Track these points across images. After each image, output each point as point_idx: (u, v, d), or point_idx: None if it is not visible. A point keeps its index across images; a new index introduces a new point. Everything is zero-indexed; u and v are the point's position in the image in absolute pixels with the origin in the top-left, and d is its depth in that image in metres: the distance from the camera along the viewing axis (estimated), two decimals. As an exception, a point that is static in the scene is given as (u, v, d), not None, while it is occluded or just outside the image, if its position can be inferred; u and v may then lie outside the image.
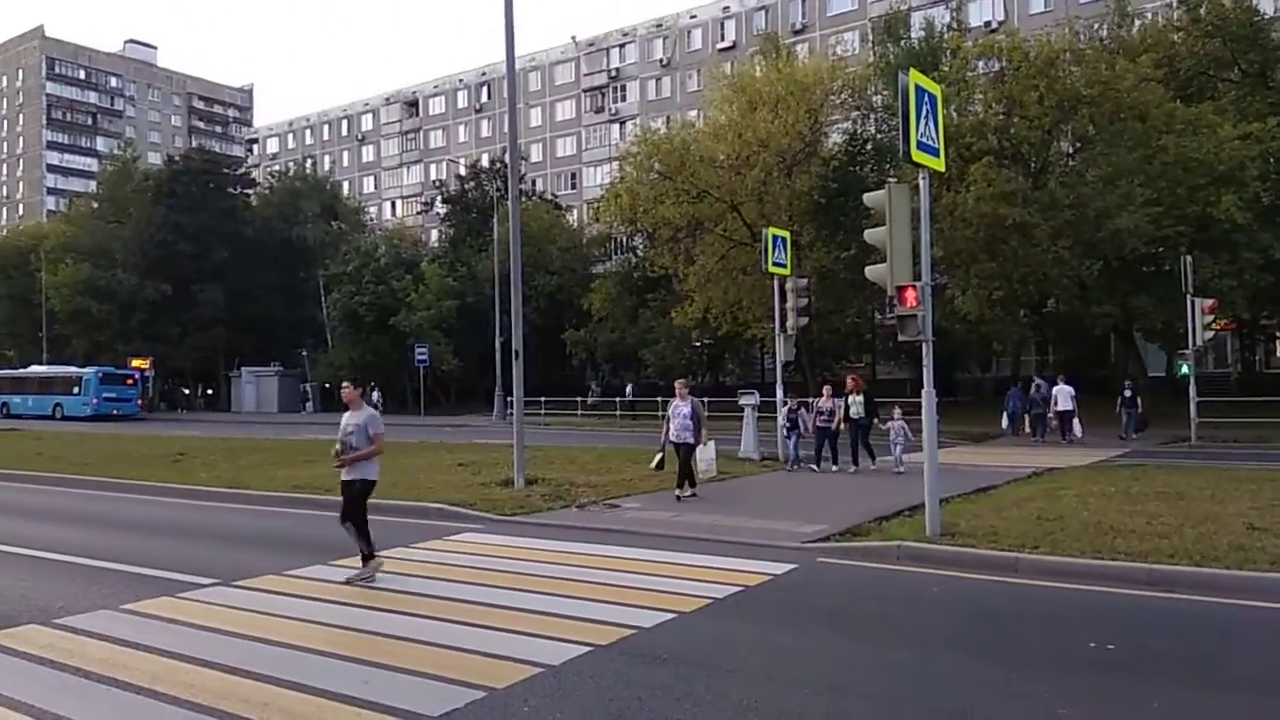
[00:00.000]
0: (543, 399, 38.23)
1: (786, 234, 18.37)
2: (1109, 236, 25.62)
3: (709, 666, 5.62)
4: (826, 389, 17.63)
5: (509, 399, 22.58)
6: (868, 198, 10.37)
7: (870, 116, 35.92)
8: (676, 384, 14.12)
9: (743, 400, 19.56)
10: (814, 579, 8.16)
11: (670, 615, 6.67)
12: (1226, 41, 29.33)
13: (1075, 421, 22.96)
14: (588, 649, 5.84)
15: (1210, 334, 24.32)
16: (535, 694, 5.09)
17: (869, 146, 35.73)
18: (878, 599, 7.56)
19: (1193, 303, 22.83)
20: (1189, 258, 23.52)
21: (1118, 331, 32.03)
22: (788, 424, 17.15)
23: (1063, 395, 23.45)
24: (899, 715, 4.80)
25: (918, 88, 9.14)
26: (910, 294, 9.20)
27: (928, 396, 9.58)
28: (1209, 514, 10.07)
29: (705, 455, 13.74)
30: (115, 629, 6.42)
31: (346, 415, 8.35)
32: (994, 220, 25.60)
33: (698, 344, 40.07)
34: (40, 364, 51.65)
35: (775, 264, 17.22)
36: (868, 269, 10.22)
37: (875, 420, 16.96)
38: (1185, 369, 25.50)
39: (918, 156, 9.16)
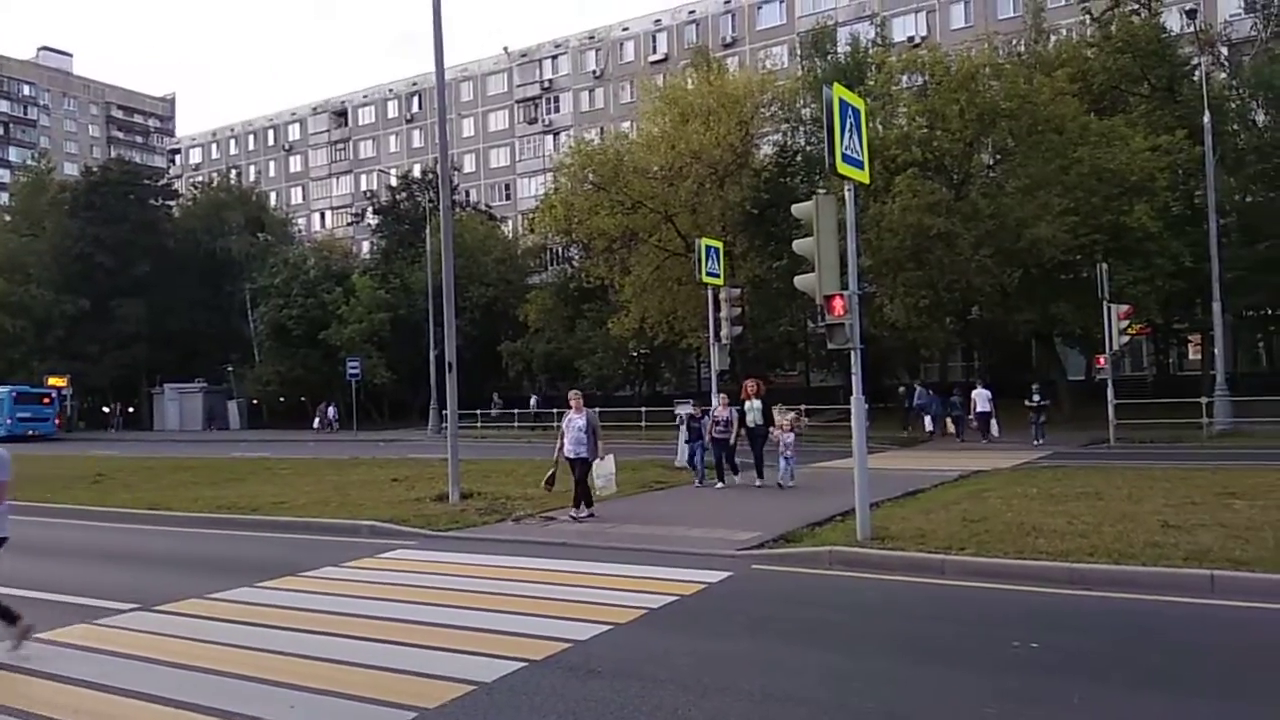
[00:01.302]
0: (479, 412, 37.87)
1: (720, 244, 18.59)
2: (1028, 245, 26.49)
3: (644, 677, 5.62)
4: (722, 397, 16.16)
5: (444, 412, 22.34)
6: (795, 209, 10.55)
7: (800, 129, 36.55)
8: (570, 395, 13.03)
9: (678, 409, 19.66)
10: (748, 586, 8.23)
11: (606, 627, 6.66)
12: (1136, 57, 30.65)
13: (993, 422, 24.94)
14: (522, 664, 5.79)
15: (1126, 339, 25.30)
16: (467, 713, 5.03)
17: (799, 158, 36.35)
18: (811, 604, 7.66)
19: (1109, 309, 23.73)
20: (1104, 265, 24.46)
21: (1039, 337, 33.10)
22: (689, 434, 16.11)
23: (981, 398, 25.49)
24: (831, 719, 4.86)
25: (842, 102, 9.33)
26: (838, 303, 9.38)
27: (856, 403, 9.77)
28: (1126, 513, 10.45)
29: (604, 470, 12.48)
30: (29, 660, 6.15)
31: None
32: (919, 230, 26.25)
33: (634, 354, 40.17)
34: (-51, 384, 49.26)
35: (709, 274, 17.39)
36: (796, 279, 10.38)
37: (771, 430, 15.73)
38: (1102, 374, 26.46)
39: (843, 169, 9.35)
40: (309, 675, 5.68)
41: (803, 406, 32.30)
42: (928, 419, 26.47)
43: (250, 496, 14.81)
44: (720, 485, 15.21)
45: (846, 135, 9.32)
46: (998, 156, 30.71)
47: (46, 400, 45.71)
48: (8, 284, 50.90)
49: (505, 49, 69.19)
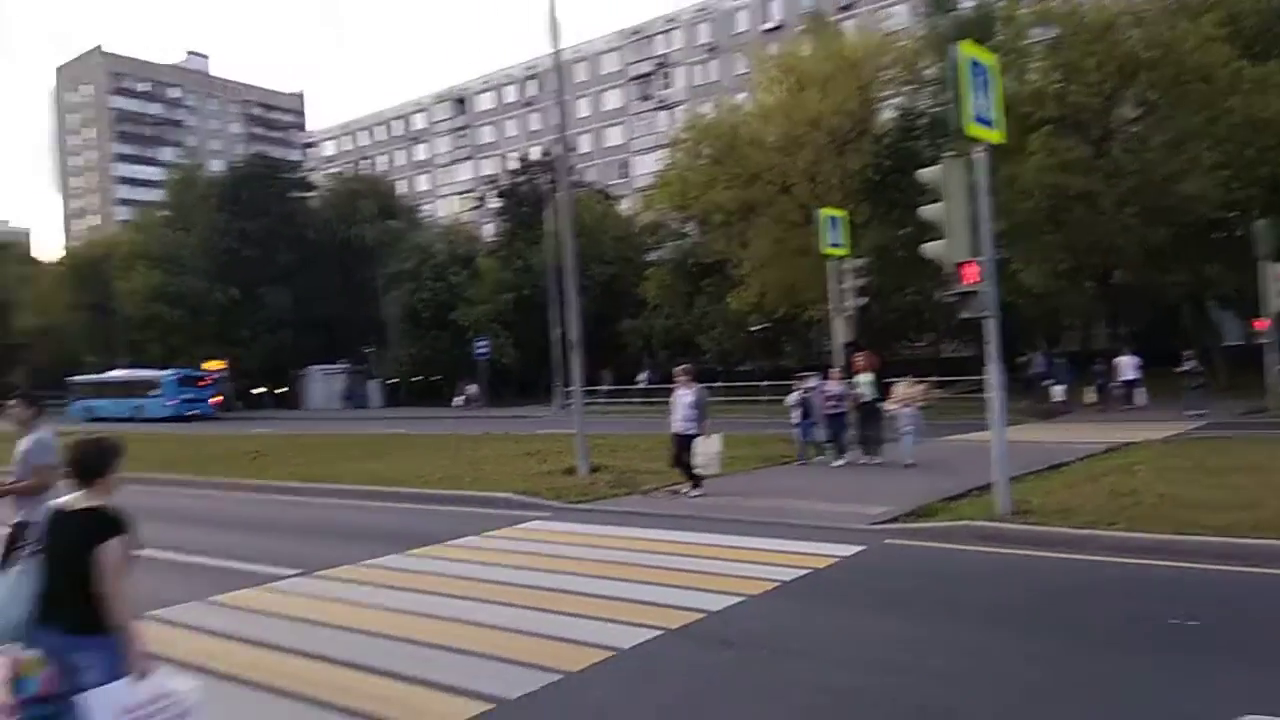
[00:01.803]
0: (601, 388, 38.48)
1: (842, 214, 18.15)
2: (1176, 203, 24.82)
3: (777, 649, 5.66)
4: (834, 371, 15.55)
5: (568, 389, 22.81)
6: (922, 174, 10.22)
7: (923, 90, 35.16)
8: (677, 370, 12.80)
9: (809, 383, 19.41)
10: (882, 560, 8.13)
11: (738, 599, 6.72)
12: (1295, -5, 28.08)
13: (1139, 391, 24.11)
14: (657, 633, 5.93)
15: (1288, 300, 23.43)
16: (608, 677, 5.20)
17: (922, 121, 34.95)
18: (948, 579, 7.51)
19: (1266, 268, 22.04)
20: (1261, 222, 22.68)
21: (1190, 300, 31.01)
22: (799, 410, 15.27)
23: (1127, 366, 24.61)
24: (970, 694, 4.78)
25: (970, 59, 8.97)
26: (971, 270, 9.06)
27: (994, 373, 9.44)
28: (1293, 485, 9.76)
29: (707, 449, 12.00)
30: (205, 620, 6.71)
31: None
32: (1056, 190, 24.98)
33: (754, 328, 39.82)
34: (121, 368, 53.56)
35: (830, 245, 17.02)
36: (925, 246, 10.06)
37: (883, 405, 15.02)
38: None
39: (972, 130, 9.00)
40: (457, 637, 5.98)
41: (932, 378, 31.53)
42: (1057, 389, 25.30)
43: (393, 470, 15.56)
44: (836, 463, 14.68)
45: (976, 94, 8.96)
46: (1140, 109, 28.76)
47: (205, 383, 49.08)
48: (165, 275, 54.81)
49: (617, 29, 69.39)
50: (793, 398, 15.34)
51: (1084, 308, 31.31)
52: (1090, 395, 25.60)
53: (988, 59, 9.38)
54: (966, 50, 9.05)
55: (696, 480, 11.98)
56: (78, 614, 3.55)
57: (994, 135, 9.35)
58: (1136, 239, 25.77)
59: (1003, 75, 22.54)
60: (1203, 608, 6.11)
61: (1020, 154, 25.35)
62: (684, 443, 12.01)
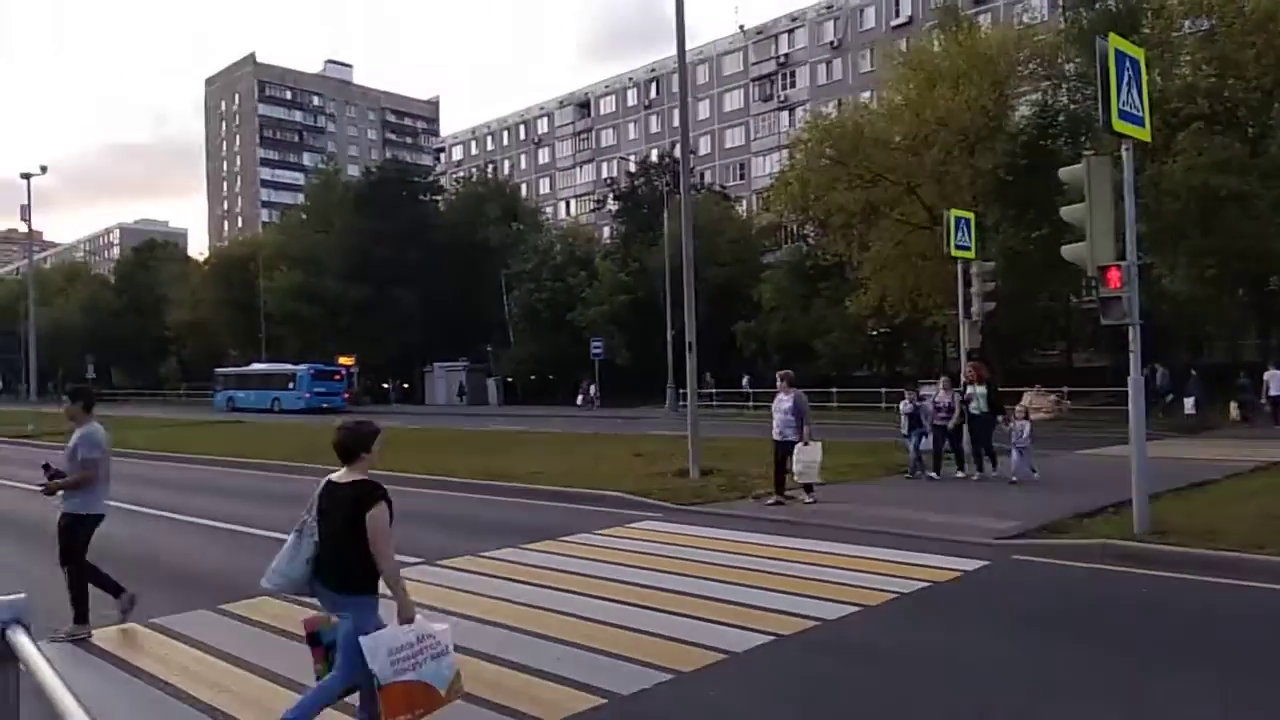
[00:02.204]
0: (714, 391, 38.35)
1: (969, 215, 17.50)
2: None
3: (897, 661, 5.51)
4: (943, 380, 15.13)
5: (681, 391, 22.80)
6: (1064, 173, 9.74)
7: (1062, 86, 33.54)
8: (779, 375, 12.54)
9: (923, 391, 18.83)
10: (1009, 576, 7.79)
11: (855, 608, 6.57)
12: None
13: None
14: (771, 638, 5.85)
15: None
16: (721, 679, 5.17)
17: (1061, 118, 33.39)
18: (1080, 598, 7.13)
19: None
20: None
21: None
22: (908, 420, 14.44)
23: (1275, 380, 23.18)
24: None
25: (1118, 53, 8.51)
26: (1114, 274, 8.58)
27: (1134, 384, 8.91)
28: None
29: (806, 457, 11.55)
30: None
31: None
32: (1206, 192, 23.43)
33: (873, 333, 38.91)
34: (260, 362, 56.85)
35: (958, 247, 16.42)
36: (1065, 249, 9.59)
37: (1000, 419, 14.19)
38: None
39: (1120, 126, 8.52)
40: (573, 631, 6.06)
41: (1063, 388, 30.09)
42: (1188, 402, 23.69)
43: (510, 466, 15.93)
44: (940, 476, 13.87)
45: (1124, 89, 8.48)
46: (1303, 105, 26.68)
47: (337, 377, 51.51)
48: (304, 275, 57.86)
49: (741, 27, 69.09)
50: (904, 406, 14.60)
51: (1232, 317, 29.22)
52: (1234, 411, 23.86)
53: (1136, 53, 8.89)
54: (1115, 43, 8.59)
55: (807, 488, 11.72)
56: (344, 573, 4.14)
57: (1142, 133, 8.86)
58: (1295, 244, 23.89)
59: (1150, 70, 21.44)
60: (1372, 645, 5.60)
61: (1166, 153, 23.96)
62: (784, 449, 11.76)
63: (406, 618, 4.12)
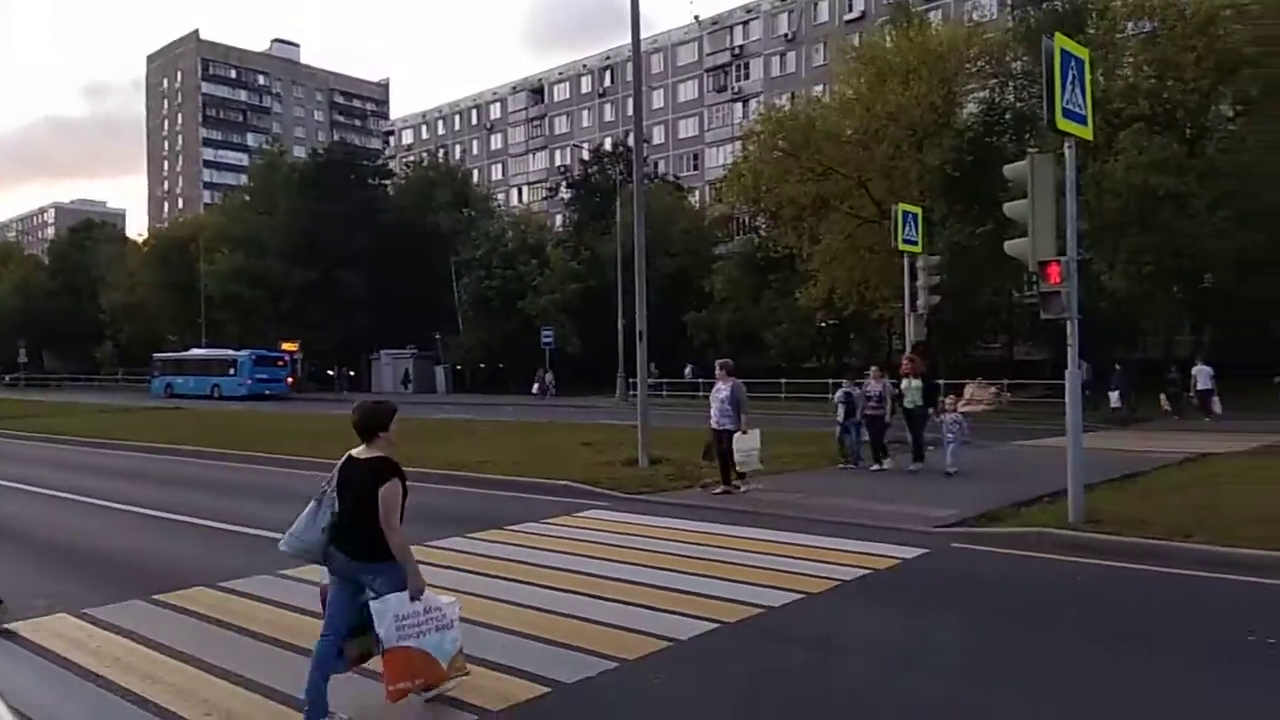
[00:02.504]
0: (664, 380, 38.47)
1: (917, 210, 17.76)
2: (1273, 206, 23.69)
3: (835, 648, 5.58)
4: (874, 370, 14.77)
5: (631, 380, 22.82)
6: (1008, 169, 9.92)
7: (1009, 84, 34.17)
8: (717, 364, 12.52)
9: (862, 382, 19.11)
10: (946, 564, 7.95)
11: (797, 596, 6.64)
12: None
13: (1214, 400, 23.74)
14: (715, 626, 5.89)
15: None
16: (665, 667, 5.18)
17: (1007, 116, 34.03)
18: (1016, 586, 7.30)
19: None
20: (1365, 228, 21.51)
21: (1282, 309, 29.58)
22: (842, 410, 14.30)
23: (1202, 375, 24.19)
24: (1029, 704, 4.63)
25: (1064, 52, 8.67)
26: (1054, 269, 8.77)
27: (1071, 377, 9.14)
28: (1393, 505, 9.21)
29: (744, 445, 11.60)
30: (273, 592, 6.90)
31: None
32: (1145, 190, 24.07)
33: (822, 325, 39.34)
34: (199, 347, 55.51)
35: (905, 241, 16.67)
36: (1008, 244, 9.77)
37: (933, 411, 14.04)
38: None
39: (1063, 124, 8.70)
40: (517, 620, 6.03)
41: (1005, 381, 30.78)
42: (1113, 395, 24.61)
43: (457, 455, 15.78)
44: (874, 467, 13.79)
45: (1068, 88, 8.65)
46: (1239, 108, 27.53)
47: (280, 363, 50.49)
48: (246, 258, 56.57)
49: (696, 18, 69.07)
50: (837, 396, 14.61)
51: (1168, 313, 30.13)
52: (1164, 403, 24.81)
53: (1081, 52, 9.06)
54: (1059, 43, 8.75)
55: (742, 476, 11.78)
56: (362, 542, 4.40)
57: (1084, 131, 9.05)
58: (1228, 244, 24.66)
59: (1094, 70, 21.94)
60: (1289, 629, 5.82)
61: (1108, 151, 24.56)
62: (723, 438, 11.77)
63: (416, 589, 4.41)
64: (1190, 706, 4.60)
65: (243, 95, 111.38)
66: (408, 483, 4.54)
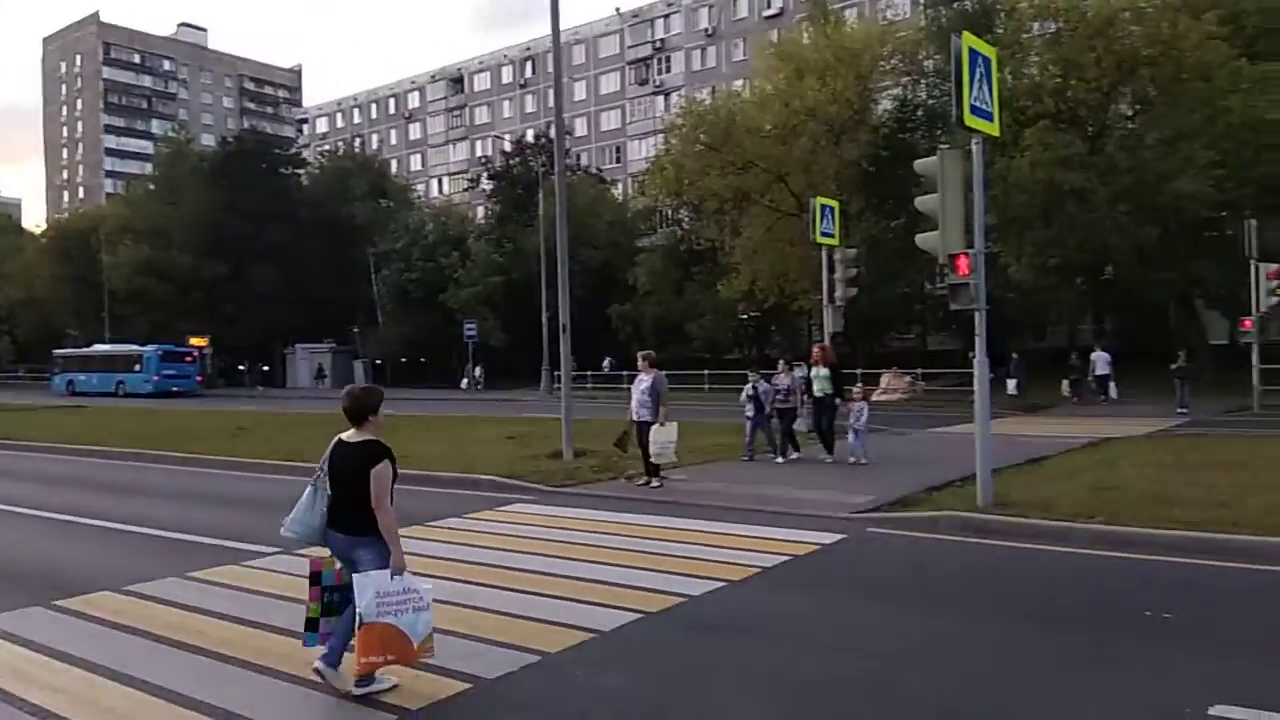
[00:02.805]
0: (589, 373, 38.45)
1: (835, 203, 18.13)
2: (1169, 201, 24.94)
3: (757, 634, 5.67)
4: (782, 363, 14.72)
5: (556, 373, 22.77)
6: (919, 164, 10.19)
7: (921, 82, 35.17)
8: (639, 355, 12.40)
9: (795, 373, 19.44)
10: (863, 549, 8.15)
11: (719, 584, 6.72)
12: (1296, -5, 28.11)
13: (1111, 385, 25.49)
14: (639, 616, 5.92)
15: (1275, 300, 23.55)
16: (587, 659, 5.19)
17: (920, 112, 35.04)
18: (929, 568, 7.53)
19: (1256, 268, 22.16)
20: (1253, 222, 22.79)
21: (1178, 299, 31.17)
22: (749, 403, 14.06)
23: (1100, 361, 25.91)
24: (945, 683, 4.79)
25: (971, 50, 8.93)
26: (963, 262, 9.05)
27: (980, 366, 9.46)
28: (1272, 483, 9.81)
29: (660, 437, 11.50)
30: (183, 595, 6.67)
31: None
32: (1050, 186, 25.06)
33: (744, 316, 39.89)
34: (103, 343, 53.20)
35: (823, 234, 17.01)
36: (919, 237, 10.06)
37: (840, 401, 13.86)
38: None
39: (971, 121, 8.97)
40: (438, 617, 5.83)
41: (919, 370, 31.68)
42: (1010, 383, 25.99)
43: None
44: (779, 460, 13.71)
45: (976, 86, 8.92)
46: (1137, 107, 28.87)
47: (189, 359, 48.72)
48: (152, 250, 54.39)
49: (617, 10, 69.01)
50: (745, 392, 14.30)
51: (1071, 304, 31.42)
52: (1065, 389, 26.25)
53: (988, 51, 9.34)
54: (968, 41, 9.01)
55: (656, 469, 11.70)
56: (356, 520, 4.65)
57: (991, 128, 9.34)
58: (1128, 237, 25.87)
59: (1001, 69, 22.67)
60: (1177, 601, 6.15)
61: (1015, 148, 25.42)
62: (642, 429, 11.72)
63: (397, 568, 4.60)
64: (1093, 678, 4.81)
65: (147, 81, 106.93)
66: (396, 463, 4.80)
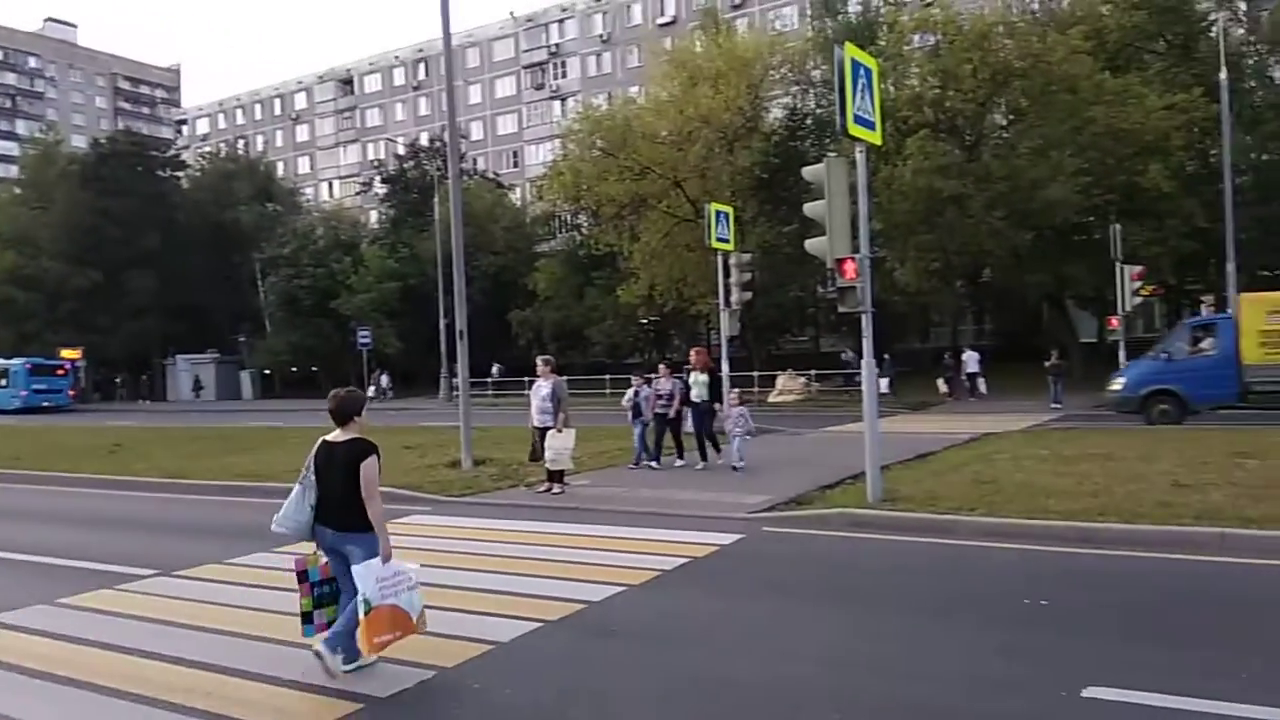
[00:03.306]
0: (489, 380, 38.01)
1: (729, 209, 18.47)
2: (1041, 207, 26.29)
3: (657, 638, 5.70)
4: (663, 367, 14.38)
5: (455, 380, 22.39)
6: (806, 172, 10.47)
7: (810, 91, 36.15)
8: (538, 360, 12.37)
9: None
10: (759, 548, 8.30)
11: (619, 589, 6.73)
12: (1152, 14, 30.11)
13: (980, 381, 27.54)
14: (538, 625, 5.88)
15: (1139, 300, 25.14)
16: (485, 671, 5.12)
17: (809, 121, 35.98)
18: (822, 565, 7.73)
19: (1122, 270, 23.57)
20: (1117, 226, 24.26)
21: (1050, 299, 32.90)
22: (630, 409, 13.82)
23: (970, 360, 28.04)
24: (842, 677, 4.92)
25: (854, 61, 9.22)
26: (849, 266, 9.34)
27: (867, 366, 9.78)
28: (1137, 473, 10.45)
29: (556, 443, 11.35)
30: (53, 624, 6.27)
31: None
32: (931, 193, 26.06)
33: (644, 321, 40.16)
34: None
35: (719, 239, 17.30)
36: (808, 242, 10.33)
37: (718, 406, 13.90)
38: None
39: (854, 130, 9.26)
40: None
41: (813, 372, 32.52)
42: (883, 382, 27.30)
43: (264, 465, 14.94)
44: (655, 466, 13.39)
45: (858, 96, 9.22)
46: (1010, 117, 30.35)
47: (60, 372, 45.96)
48: (18, 257, 51.05)
49: (511, 13, 68.50)
50: (626, 396, 14.10)
51: (953, 305, 32.80)
52: (941, 386, 27.80)
53: (870, 62, 9.66)
54: (850, 52, 9.29)
55: (558, 476, 11.49)
56: (345, 516, 5.01)
57: (873, 136, 9.65)
58: (1003, 241, 27.18)
59: (884, 80, 23.47)
60: (1053, 588, 6.48)
61: (898, 156, 26.40)
62: (544, 435, 11.62)
63: (386, 553, 4.97)
64: (976, 664, 5.02)
65: (11, 79, 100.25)
66: (381, 457, 5.08)
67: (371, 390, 42.51)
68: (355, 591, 4.91)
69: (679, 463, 13.65)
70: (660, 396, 13.58)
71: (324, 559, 5.23)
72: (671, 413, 13.60)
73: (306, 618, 5.23)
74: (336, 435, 5.16)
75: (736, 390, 14.04)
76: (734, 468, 12.82)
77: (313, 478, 5.12)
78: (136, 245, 51.33)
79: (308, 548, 5.34)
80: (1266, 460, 11.01)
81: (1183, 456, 11.66)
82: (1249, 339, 17.23)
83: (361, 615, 4.83)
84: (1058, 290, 31.14)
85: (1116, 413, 18.93)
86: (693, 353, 14.84)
